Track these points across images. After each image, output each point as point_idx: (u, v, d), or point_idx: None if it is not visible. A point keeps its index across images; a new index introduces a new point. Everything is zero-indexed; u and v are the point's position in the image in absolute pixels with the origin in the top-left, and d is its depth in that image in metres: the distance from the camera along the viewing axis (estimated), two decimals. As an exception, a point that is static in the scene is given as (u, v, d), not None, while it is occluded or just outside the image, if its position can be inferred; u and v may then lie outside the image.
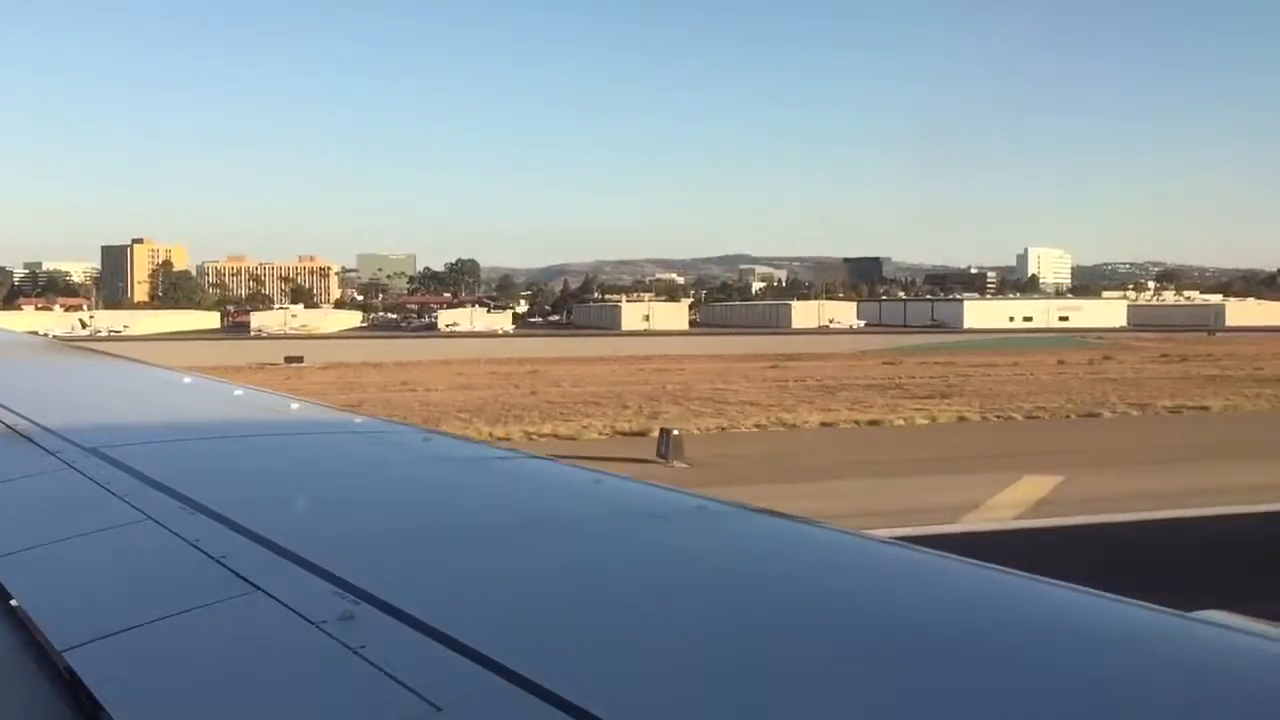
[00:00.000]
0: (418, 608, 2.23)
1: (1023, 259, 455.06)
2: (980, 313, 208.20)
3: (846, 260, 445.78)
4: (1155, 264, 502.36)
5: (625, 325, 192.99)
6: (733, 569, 2.73)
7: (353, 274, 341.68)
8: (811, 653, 2.07)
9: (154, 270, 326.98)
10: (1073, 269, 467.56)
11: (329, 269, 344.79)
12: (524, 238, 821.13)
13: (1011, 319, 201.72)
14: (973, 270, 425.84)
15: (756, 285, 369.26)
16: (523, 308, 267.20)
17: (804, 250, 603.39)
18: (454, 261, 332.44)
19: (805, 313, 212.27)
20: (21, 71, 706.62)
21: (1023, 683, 1.89)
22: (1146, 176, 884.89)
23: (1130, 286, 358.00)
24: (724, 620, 2.26)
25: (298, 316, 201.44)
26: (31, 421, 5.01)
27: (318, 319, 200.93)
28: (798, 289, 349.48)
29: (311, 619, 2.23)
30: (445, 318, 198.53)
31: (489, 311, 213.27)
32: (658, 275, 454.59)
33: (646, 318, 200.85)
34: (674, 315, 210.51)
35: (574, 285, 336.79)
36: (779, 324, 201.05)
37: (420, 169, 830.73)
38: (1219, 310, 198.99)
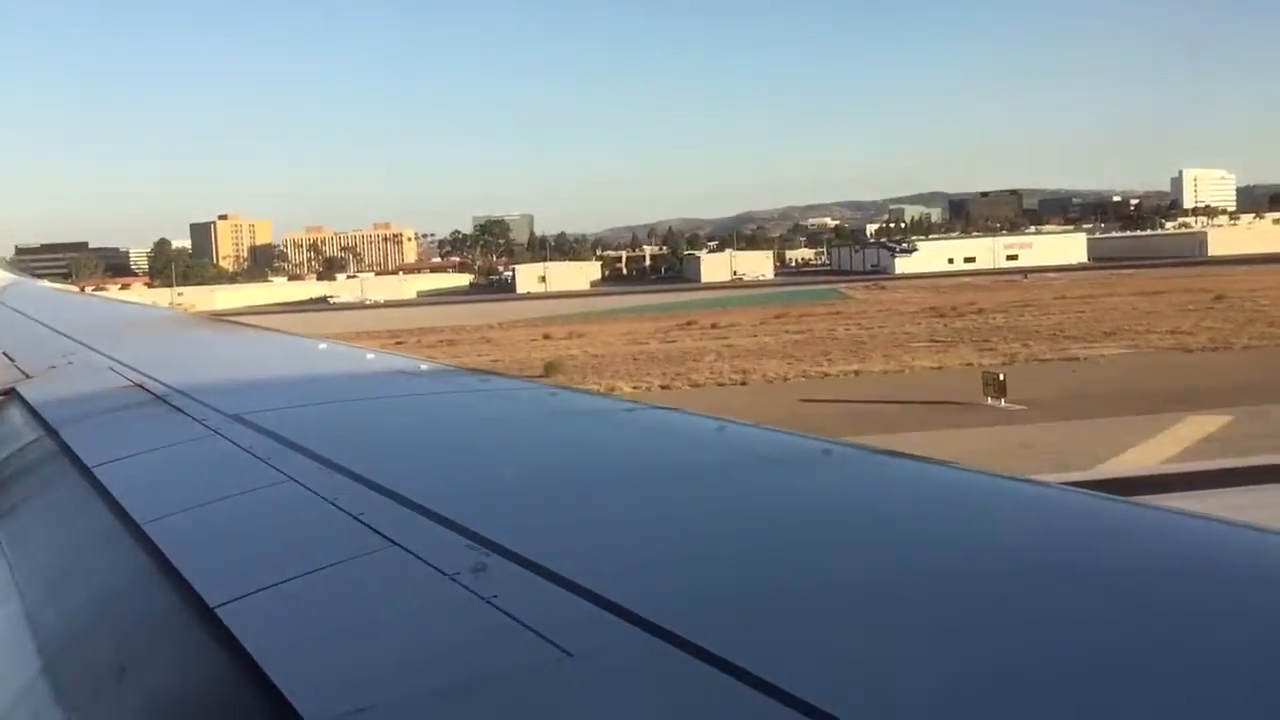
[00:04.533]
0: (547, 558, 2.31)
1: (1177, 182, 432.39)
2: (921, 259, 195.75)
3: (984, 194, 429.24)
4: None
5: (706, 277, 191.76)
6: (860, 511, 2.78)
7: (428, 238, 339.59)
8: (937, 591, 2.08)
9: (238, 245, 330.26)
10: (1238, 190, 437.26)
11: (401, 235, 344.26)
12: (710, 188, 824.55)
13: (951, 260, 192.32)
14: (1115, 198, 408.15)
15: (871, 229, 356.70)
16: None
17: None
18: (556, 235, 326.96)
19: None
20: (111, 64, 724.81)
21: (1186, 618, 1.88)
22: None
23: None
24: (854, 563, 2.31)
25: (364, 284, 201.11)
26: (177, 390, 5.24)
27: (389, 287, 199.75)
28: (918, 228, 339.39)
29: (445, 571, 2.32)
30: (523, 278, 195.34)
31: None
32: (814, 219, 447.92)
33: (735, 271, 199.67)
34: (759, 263, 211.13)
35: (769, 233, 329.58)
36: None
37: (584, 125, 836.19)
38: (1201, 239, 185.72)
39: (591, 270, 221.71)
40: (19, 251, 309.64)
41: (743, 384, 46.47)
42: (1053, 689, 1.63)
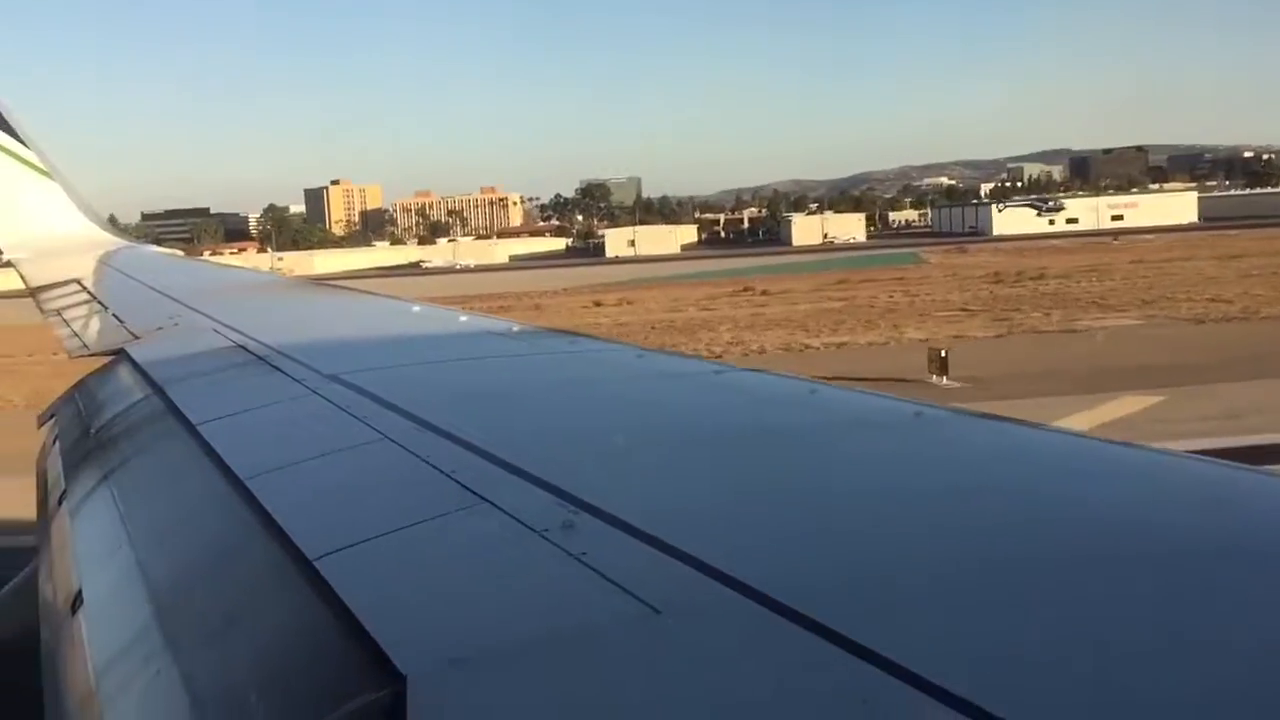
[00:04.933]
0: (635, 516, 2.35)
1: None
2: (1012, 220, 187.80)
3: (1107, 151, 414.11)
4: None
5: (797, 241, 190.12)
6: (949, 473, 2.79)
7: (533, 202, 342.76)
8: (1026, 555, 2.08)
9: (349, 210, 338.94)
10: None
11: (507, 199, 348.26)
12: (824, 149, 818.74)
13: (1051, 222, 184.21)
14: (1247, 153, 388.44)
15: (985, 188, 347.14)
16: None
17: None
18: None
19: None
20: (234, 35, 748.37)
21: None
22: None
23: None
24: (944, 525, 2.30)
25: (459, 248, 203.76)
26: (276, 351, 5.43)
27: (480, 251, 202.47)
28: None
29: (535, 528, 2.37)
30: (612, 242, 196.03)
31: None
32: (931, 179, 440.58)
33: (825, 235, 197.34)
34: (851, 226, 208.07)
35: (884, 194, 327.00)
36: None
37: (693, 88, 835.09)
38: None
39: (687, 233, 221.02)
40: (145, 217, 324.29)
41: (719, 356, 46.36)
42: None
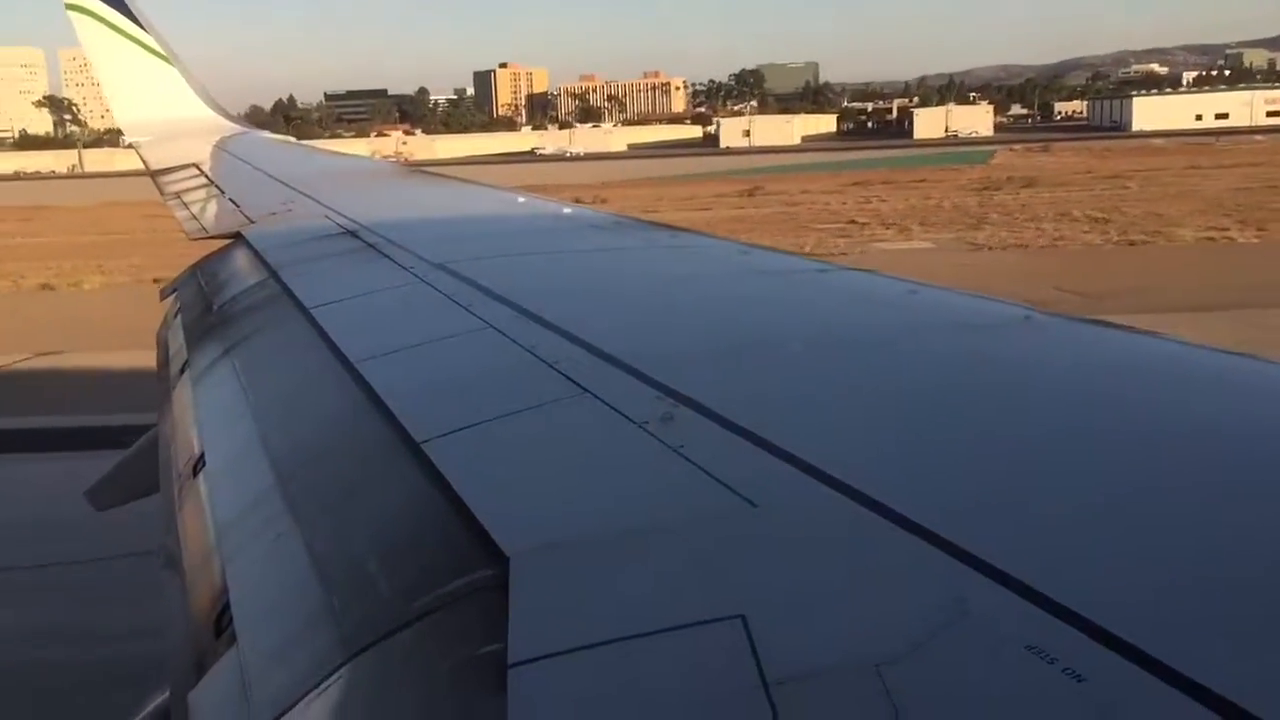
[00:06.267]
0: (734, 411, 2.36)
1: None
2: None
3: None
4: None
5: (919, 134, 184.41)
6: (1054, 379, 2.74)
7: (700, 88, 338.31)
8: (1128, 467, 2.05)
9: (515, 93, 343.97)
10: None
11: (670, 84, 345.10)
12: (1034, 32, 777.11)
13: (1199, 117, 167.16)
14: None
15: (1188, 77, 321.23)
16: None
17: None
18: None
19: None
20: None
21: None
22: None
23: None
24: (1044, 431, 2.28)
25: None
26: (385, 239, 5.54)
27: (596, 139, 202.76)
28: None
29: (635, 419, 2.41)
30: (727, 132, 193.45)
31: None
32: (1148, 65, 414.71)
33: (948, 128, 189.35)
34: (975, 119, 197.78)
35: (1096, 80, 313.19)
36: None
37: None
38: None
39: (827, 124, 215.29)
40: (328, 98, 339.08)
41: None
42: None
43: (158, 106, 14.60)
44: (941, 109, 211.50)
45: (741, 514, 1.90)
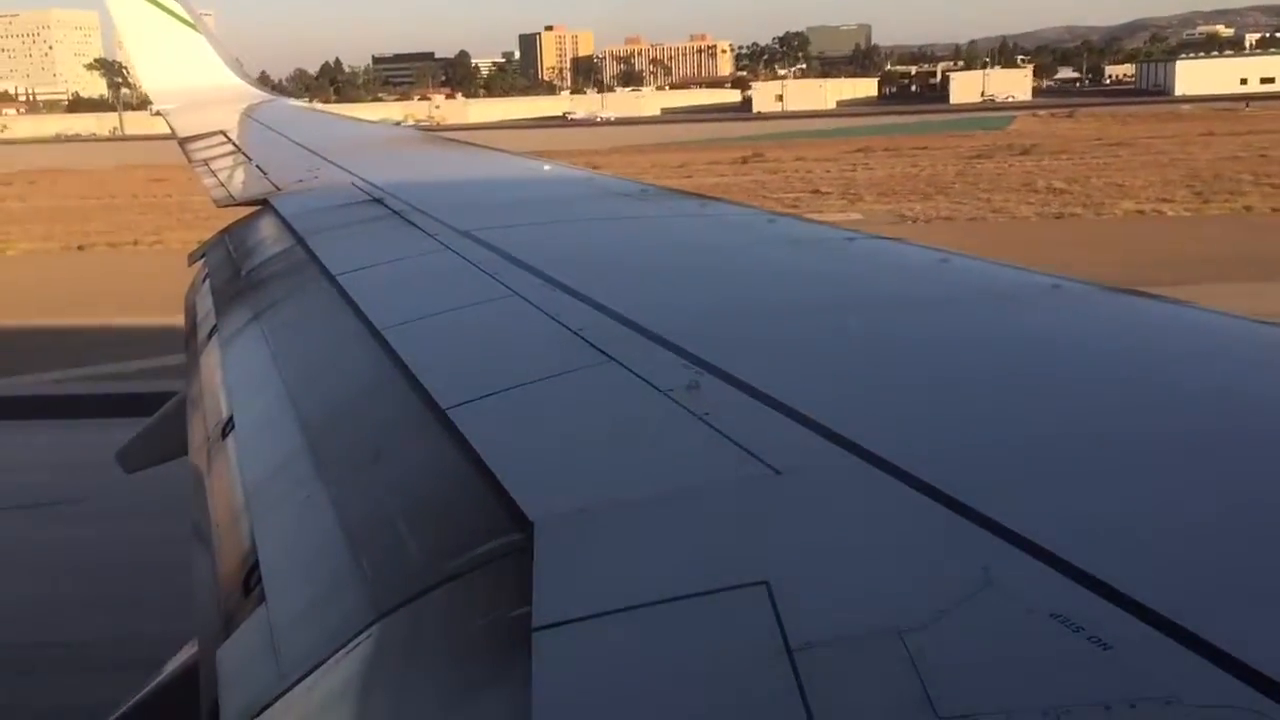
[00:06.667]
0: (759, 379, 2.38)
1: None
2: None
3: None
4: None
5: (955, 98, 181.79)
6: (1080, 347, 2.75)
7: (744, 51, 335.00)
8: (1152, 433, 2.08)
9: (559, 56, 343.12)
10: None
11: (716, 47, 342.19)
12: None
13: (1244, 81, 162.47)
14: None
15: (1253, 38, 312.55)
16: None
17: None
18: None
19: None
20: None
21: None
22: None
23: None
24: (1071, 402, 2.29)
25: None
26: (412, 207, 5.58)
27: (629, 104, 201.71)
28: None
29: (660, 387, 2.43)
30: (759, 97, 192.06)
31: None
32: (1215, 26, 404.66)
33: (983, 92, 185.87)
34: (1014, 83, 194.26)
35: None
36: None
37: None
38: None
39: (867, 87, 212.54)
40: (375, 60, 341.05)
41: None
42: None
43: (185, 74, 14.56)
44: (979, 73, 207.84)
45: (766, 481, 1.91)
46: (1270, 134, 78.50)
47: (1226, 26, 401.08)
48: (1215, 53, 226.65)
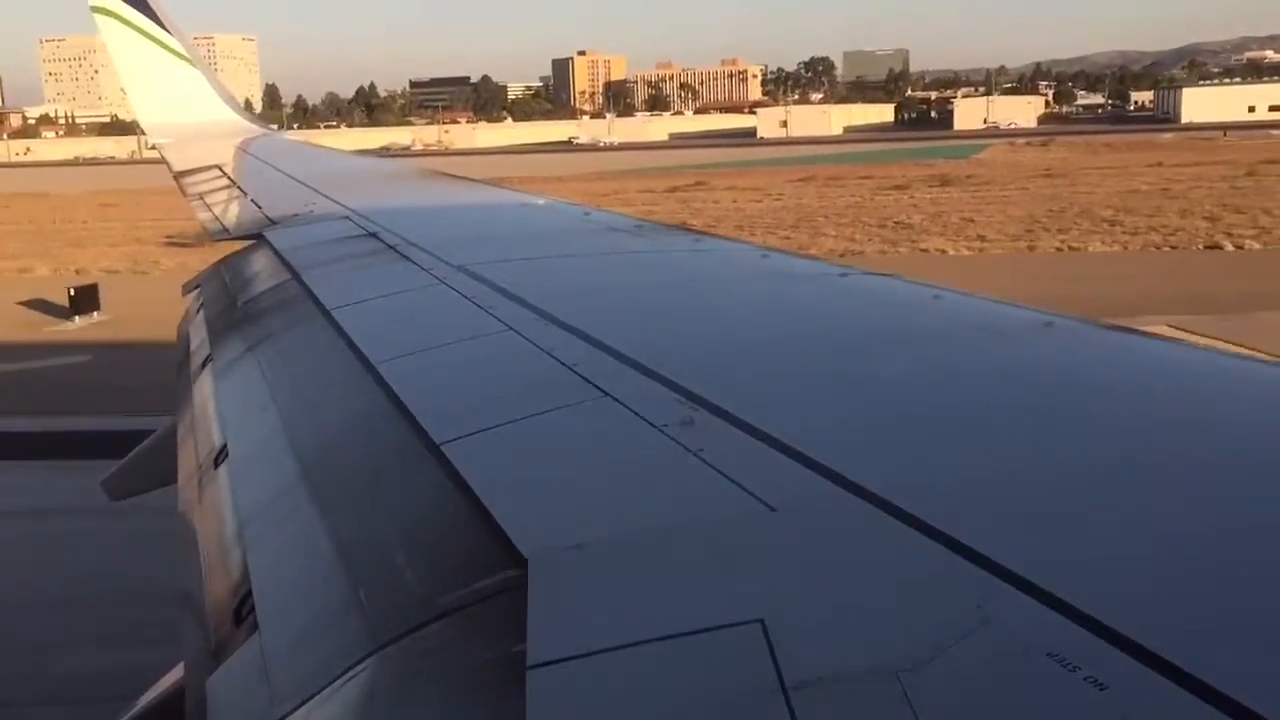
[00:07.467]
0: (754, 415, 2.41)
1: None
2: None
3: None
4: None
5: (959, 125, 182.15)
6: (1075, 384, 2.79)
7: (772, 75, 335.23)
8: (1154, 469, 2.09)
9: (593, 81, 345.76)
10: None
11: (746, 71, 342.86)
12: (1152, 15, 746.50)
13: (1252, 109, 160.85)
14: None
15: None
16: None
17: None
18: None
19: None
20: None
21: None
22: None
23: None
24: (1063, 438, 2.31)
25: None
26: (406, 241, 5.65)
27: (634, 129, 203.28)
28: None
29: (655, 423, 2.45)
30: (763, 123, 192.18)
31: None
32: (1265, 51, 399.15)
33: (986, 119, 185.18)
34: (1017, 110, 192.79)
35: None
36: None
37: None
38: None
39: (870, 113, 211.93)
40: (412, 85, 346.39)
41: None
42: None
43: (180, 108, 14.75)
44: (982, 100, 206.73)
45: (761, 518, 1.90)
46: (1214, 165, 77.69)
47: (1276, 52, 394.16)
48: (1209, 81, 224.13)
